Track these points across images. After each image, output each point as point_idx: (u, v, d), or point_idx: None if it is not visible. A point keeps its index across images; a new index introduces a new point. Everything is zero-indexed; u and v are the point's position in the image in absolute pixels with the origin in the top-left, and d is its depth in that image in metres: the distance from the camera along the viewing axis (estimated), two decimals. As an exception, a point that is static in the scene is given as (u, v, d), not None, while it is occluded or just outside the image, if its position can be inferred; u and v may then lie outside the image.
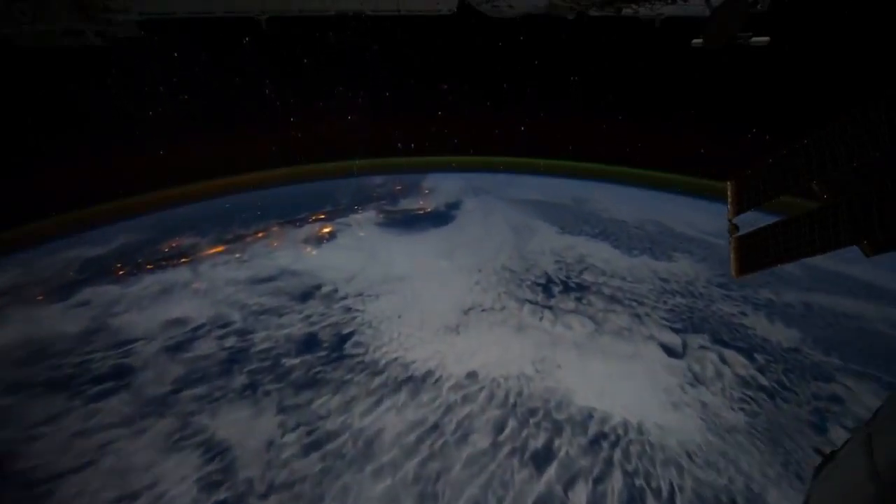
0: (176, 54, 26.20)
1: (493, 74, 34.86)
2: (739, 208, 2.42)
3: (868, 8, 19.12)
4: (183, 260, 22.48)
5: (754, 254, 2.25)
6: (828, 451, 2.02)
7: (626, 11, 2.68)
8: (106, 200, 28.09)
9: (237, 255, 23.28)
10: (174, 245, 24.22)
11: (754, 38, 2.49)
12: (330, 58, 30.87)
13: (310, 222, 28.61)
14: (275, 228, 27.39)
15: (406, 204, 33.45)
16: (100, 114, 24.94)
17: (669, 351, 15.83)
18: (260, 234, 26.56)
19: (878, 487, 1.50)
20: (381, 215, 30.41)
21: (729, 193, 2.48)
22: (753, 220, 2.37)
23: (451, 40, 31.02)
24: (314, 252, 24.42)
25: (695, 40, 2.55)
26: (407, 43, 31.54)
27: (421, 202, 33.96)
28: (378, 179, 39.13)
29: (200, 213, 29.87)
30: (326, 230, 27.53)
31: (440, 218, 30.54)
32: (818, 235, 1.95)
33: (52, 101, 22.94)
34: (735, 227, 2.38)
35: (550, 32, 27.80)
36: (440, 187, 38.07)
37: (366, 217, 30.07)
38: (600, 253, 23.79)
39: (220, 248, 24.08)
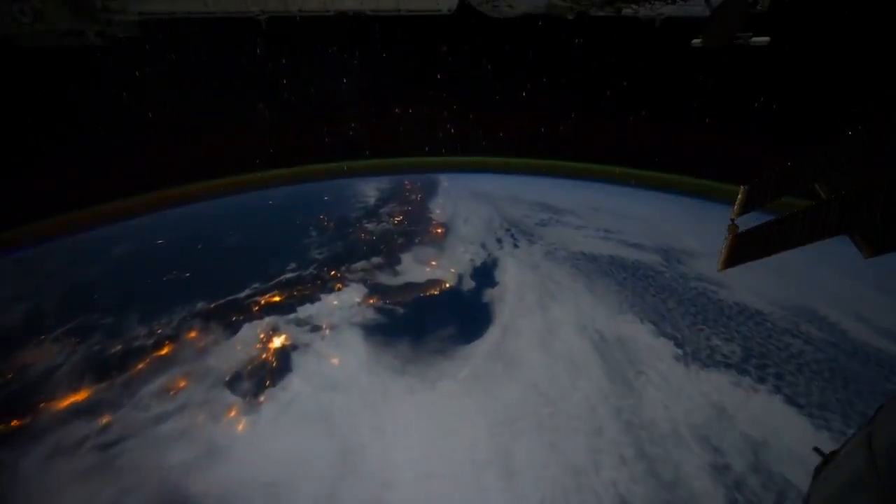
0: (175, 54, 35.08)
1: (500, 73, 42.48)
2: (744, 209, 3.23)
3: (868, 8, 25.70)
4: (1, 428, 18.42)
5: (745, 248, 3.02)
6: (828, 451, 2.69)
7: (626, 11, 3.72)
8: (105, 200, 37.85)
9: (100, 423, 18.38)
10: (21, 364, 21.63)
11: (754, 38, 3.46)
12: (329, 56, 39.91)
13: (255, 313, 26.45)
14: (192, 334, 24.58)
15: (409, 268, 31.69)
16: (100, 114, 34.25)
17: None
18: (164, 350, 23.36)
19: (878, 487, 2.00)
20: (370, 301, 27.87)
21: (739, 196, 3.29)
22: (756, 222, 3.14)
23: (456, 38, 39.05)
24: (242, 425, 18.88)
25: (695, 40, 3.51)
26: (409, 41, 39.53)
27: (433, 262, 32.57)
28: (372, 192, 42.85)
29: (109, 276, 30.65)
30: (276, 345, 23.98)
31: (466, 312, 27.23)
32: (807, 227, 2.69)
33: (52, 101, 31.63)
34: (735, 227, 3.14)
35: (551, 32, 34.91)
36: (458, 220, 37.67)
37: (346, 304, 27.29)
38: (795, 443, 17.58)
39: (80, 396, 20.10)
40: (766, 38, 3.63)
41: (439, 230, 36.36)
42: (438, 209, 39.57)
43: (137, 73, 33.06)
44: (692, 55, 30.11)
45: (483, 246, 33.95)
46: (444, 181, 46.88)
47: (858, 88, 26.56)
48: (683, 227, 35.83)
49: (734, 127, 36.72)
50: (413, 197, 43.49)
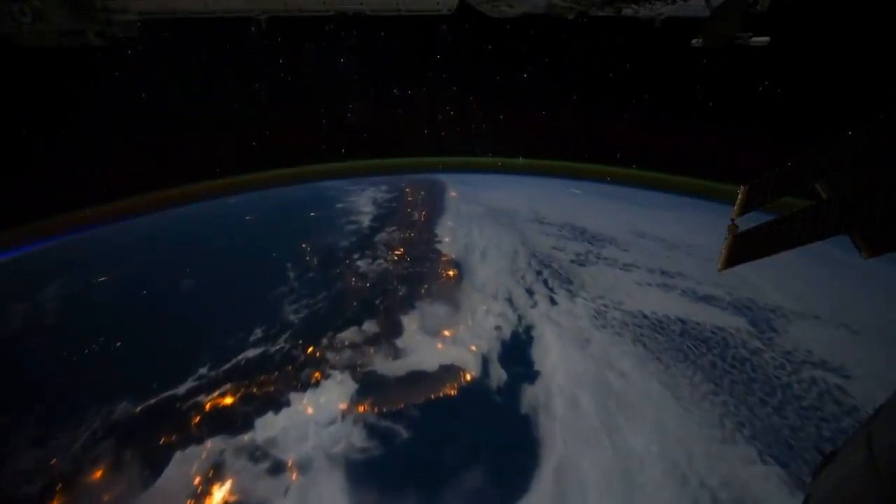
0: (175, 54, 47.04)
1: (502, 73, 55.55)
2: (744, 210, 4.44)
3: (868, 8, 34.07)
4: None
5: (745, 248, 4.16)
6: (828, 451, 3.57)
7: (626, 11, 5.07)
8: (106, 200, 51.90)
9: None
10: None
11: (754, 38, 4.74)
12: (327, 54, 52.30)
13: (193, 428, 24.85)
14: (96, 474, 22.51)
15: (415, 343, 31.11)
16: (100, 114, 46.67)
17: None
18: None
19: (878, 487, 2.70)
20: (359, 409, 26.44)
21: (739, 197, 4.51)
22: (756, 222, 4.31)
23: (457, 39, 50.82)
24: None
25: (695, 40, 4.78)
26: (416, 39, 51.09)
27: (446, 331, 32.54)
28: (367, 206, 48.65)
29: (21, 341, 31.40)
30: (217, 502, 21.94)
31: (499, 431, 25.63)
32: (807, 227, 3.80)
33: (52, 101, 43.32)
34: (735, 227, 4.30)
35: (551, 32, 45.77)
36: (474, 255, 38.93)
37: (325, 413, 25.97)
38: None
39: None
40: (766, 38, 4.90)
41: (451, 272, 37.51)
42: (447, 235, 41.23)
43: (137, 73, 44.14)
44: (692, 55, 39.54)
45: (510, 301, 34.22)
46: (451, 188, 52.28)
47: (858, 88, 35.86)
48: (756, 266, 36.39)
49: (734, 127, 49.63)
50: (416, 216, 46.70)
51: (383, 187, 53.66)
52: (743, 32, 4.93)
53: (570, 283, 35.24)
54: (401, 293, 34.42)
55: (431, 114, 59.18)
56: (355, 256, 38.29)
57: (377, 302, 33.95)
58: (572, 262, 38.52)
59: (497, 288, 33.94)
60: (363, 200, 46.13)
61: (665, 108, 53.00)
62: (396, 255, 38.35)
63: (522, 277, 35.06)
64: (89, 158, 47.66)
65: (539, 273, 35.73)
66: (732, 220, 4.61)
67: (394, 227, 41.01)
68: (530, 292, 34.30)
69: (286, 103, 57.12)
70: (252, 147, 57.36)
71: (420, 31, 49.38)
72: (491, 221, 41.44)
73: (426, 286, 35.52)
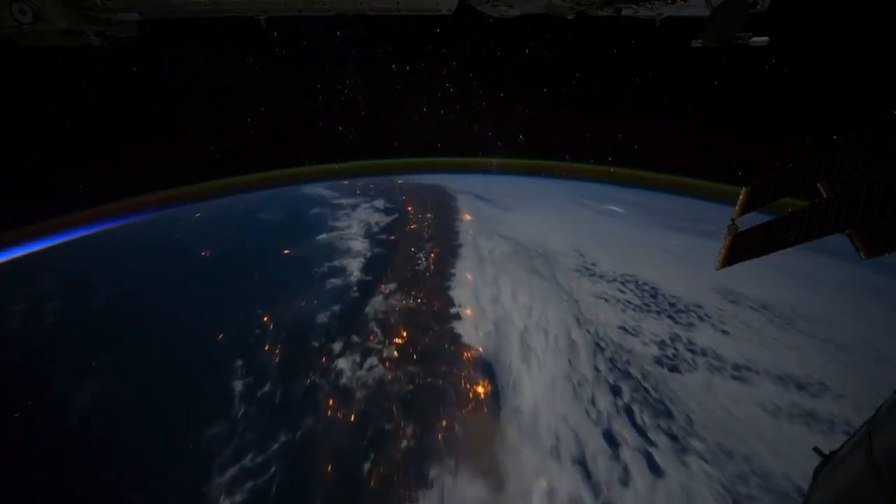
0: (175, 54, 59.16)
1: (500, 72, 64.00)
2: (745, 210, 5.15)
3: (868, 8, 43.22)
4: None
5: (744, 247, 4.90)
6: (828, 451, 4.21)
7: (626, 11, 5.99)
8: (106, 201, 66.59)
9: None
10: None
11: (754, 38, 5.65)
12: (326, 54, 62.66)
13: None
14: None
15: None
16: (99, 114, 60.24)
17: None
18: None
19: (878, 487, 3.17)
20: None
21: (740, 197, 5.22)
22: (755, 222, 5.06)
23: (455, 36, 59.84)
24: None
25: (695, 40, 5.53)
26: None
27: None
28: (358, 243, 49.01)
29: None
30: None
31: None
32: (807, 226, 4.47)
33: (52, 101, 57.02)
34: (735, 227, 5.00)
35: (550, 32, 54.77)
36: (509, 345, 32.39)
37: None
38: None
39: None
40: (766, 38, 5.87)
41: (480, 388, 28.94)
42: (468, 302, 34.37)
43: (137, 73, 53.89)
44: (692, 55, 49.63)
45: (583, 466, 24.48)
46: (462, 206, 53.06)
47: (859, 88, 42.32)
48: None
49: (735, 127, 59.27)
50: (422, 259, 42.52)
51: (380, 202, 52.27)
52: (743, 32, 5.81)
53: (669, 415, 26.33)
54: (404, 442, 25.38)
55: (430, 98, 69.37)
56: (336, 349, 30.40)
57: (366, 466, 24.90)
58: (659, 362, 30.29)
59: (556, 429, 24.99)
60: (354, 227, 43.36)
61: (664, 109, 62.85)
62: (397, 344, 30.83)
63: (592, 402, 26.44)
64: (89, 158, 57.46)
65: (616, 391, 27.28)
66: (733, 220, 5.30)
67: (392, 285, 34.36)
68: (612, 441, 25.19)
69: (281, 93, 66.30)
70: (242, 146, 66.75)
71: (419, 19, 55.88)
72: (524, 273, 35.57)
73: (443, 424, 26.45)
